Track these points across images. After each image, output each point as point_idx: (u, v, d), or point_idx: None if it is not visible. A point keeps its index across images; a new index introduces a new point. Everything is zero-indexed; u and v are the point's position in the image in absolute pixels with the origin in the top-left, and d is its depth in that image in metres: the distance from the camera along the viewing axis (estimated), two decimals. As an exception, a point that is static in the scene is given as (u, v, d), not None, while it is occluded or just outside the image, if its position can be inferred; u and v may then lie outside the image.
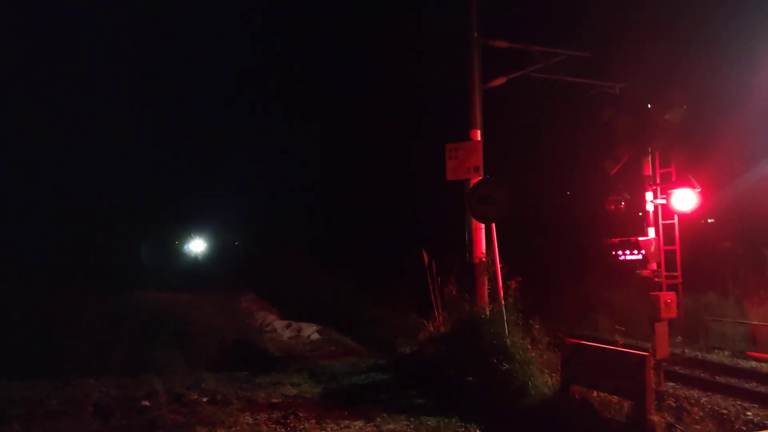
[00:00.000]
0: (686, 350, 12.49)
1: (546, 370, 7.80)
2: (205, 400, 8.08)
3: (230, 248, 44.45)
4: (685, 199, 7.31)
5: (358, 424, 7.02)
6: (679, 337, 12.94)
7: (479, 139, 9.57)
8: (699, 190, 7.29)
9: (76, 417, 6.87)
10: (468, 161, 9.20)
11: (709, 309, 13.96)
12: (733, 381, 10.02)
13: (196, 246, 42.84)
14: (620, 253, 7.11)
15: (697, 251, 16.48)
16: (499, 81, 11.00)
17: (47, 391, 8.01)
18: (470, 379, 8.37)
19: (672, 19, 9.93)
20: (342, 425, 6.97)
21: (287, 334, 14.71)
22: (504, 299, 8.47)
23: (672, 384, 9.93)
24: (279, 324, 15.45)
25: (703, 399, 9.09)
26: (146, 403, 7.79)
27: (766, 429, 7.42)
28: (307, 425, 6.93)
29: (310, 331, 14.53)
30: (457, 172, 9.35)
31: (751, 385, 9.75)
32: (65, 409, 7.14)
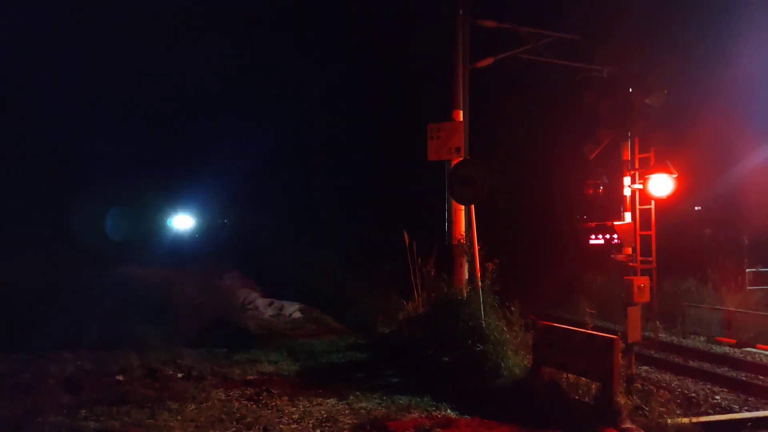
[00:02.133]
0: (663, 335, 12.70)
1: (521, 352, 7.87)
2: (179, 375, 8.08)
3: (218, 225, 44.27)
4: (661, 185, 7.31)
5: (331, 401, 7.06)
6: (657, 322, 13.13)
7: (461, 119, 9.50)
8: (676, 175, 7.29)
9: (46, 390, 6.84)
10: (450, 142, 9.12)
11: (688, 295, 14.15)
12: (706, 366, 10.21)
13: (182, 222, 42.56)
14: (594, 236, 7.12)
15: (681, 238, 16.69)
16: (487, 61, 10.90)
17: (20, 364, 7.96)
18: (446, 359, 8.44)
19: (659, 3, 9.85)
20: (314, 402, 6.99)
21: (269, 312, 14.72)
22: (481, 281, 8.49)
23: (646, 368, 10.11)
24: (261, 302, 15.45)
25: (675, 383, 9.26)
26: (120, 377, 7.76)
27: (731, 413, 7.56)
28: (278, 402, 6.95)
29: (292, 309, 14.55)
30: (439, 152, 9.29)
31: (722, 370, 9.95)
32: (35, 382, 7.11)
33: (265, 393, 7.27)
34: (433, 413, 6.65)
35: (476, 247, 8.74)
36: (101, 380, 7.55)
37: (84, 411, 6.32)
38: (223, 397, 7.10)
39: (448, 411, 6.77)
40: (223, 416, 6.38)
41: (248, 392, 7.32)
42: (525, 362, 7.53)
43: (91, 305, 10.68)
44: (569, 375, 6.51)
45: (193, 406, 6.66)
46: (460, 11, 9.78)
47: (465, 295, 8.75)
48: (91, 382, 7.36)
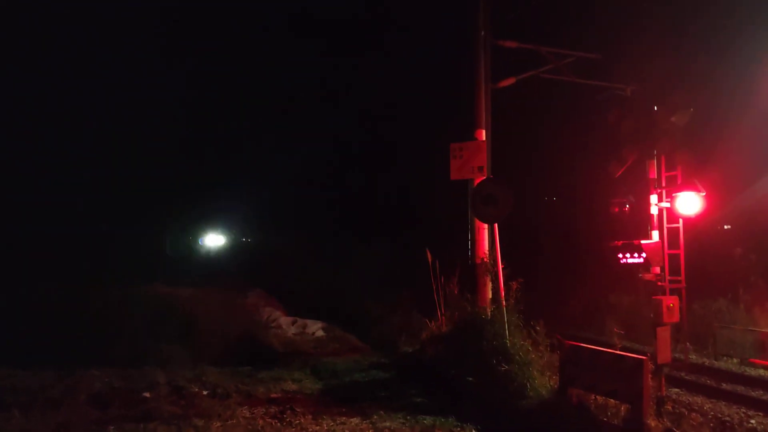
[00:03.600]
0: (694, 357, 12.35)
1: (547, 372, 7.75)
2: (205, 393, 8.14)
3: (241, 244, 44.80)
4: (689, 203, 7.21)
5: (355, 420, 7.03)
6: (688, 344, 12.79)
7: (484, 138, 9.55)
8: (704, 193, 7.18)
9: (75, 406, 6.97)
10: (472, 161, 9.17)
11: (719, 316, 13.76)
12: (740, 388, 9.87)
13: (212, 241, 43.38)
14: (622, 256, 7.03)
15: (710, 257, 16.31)
16: (508, 81, 10.97)
17: (50, 380, 8.13)
18: (470, 379, 8.35)
19: (682, 21, 9.82)
20: (338, 421, 6.98)
21: (292, 330, 14.75)
22: (505, 300, 8.43)
23: (677, 390, 9.81)
24: (284, 320, 15.50)
25: (707, 406, 8.97)
26: (147, 394, 7.87)
27: (768, 437, 7.30)
28: (303, 420, 6.95)
29: (315, 328, 14.56)
30: (462, 171, 9.33)
31: (758, 393, 9.60)
32: (65, 398, 7.25)
33: (289, 411, 7.28)
34: (458, 434, 6.58)
35: (500, 266, 8.71)
36: (129, 397, 7.66)
37: (112, 427, 6.42)
38: (247, 415, 7.13)
39: (473, 432, 6.68)
40: (248, 434, 6.42)
41: (272, 410, 7.34)
42: (551, 383, 7.41)
43: (118, 323, 10.89)
44: (597, 396, 6.38)
45: (219, 424, 6.71)
46: (482, 32, 9.90)
47: (489, 314, 8.69)
48: (118, 399, 7.48)
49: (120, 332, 10.54)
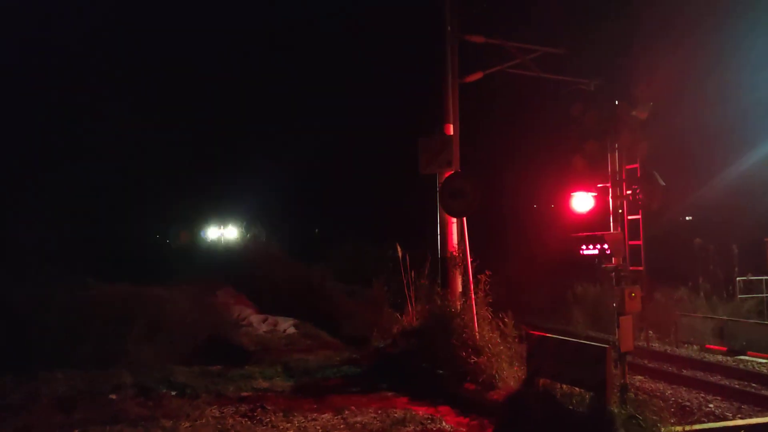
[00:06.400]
0: (656, 344, 12.76)
1: (515, 363, 7.89)
2: (173, 393, 8.03)
3: (209, 242, 44.16)
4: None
5: (326, 416, 7.03)
6: (650, 332, 13.20)
7: (452, 133, 9.61)
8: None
9: (37, 411, 6.78)
10: (440, 155, 9.22)
11: (680, 304, 14.24)
12: (699, 374, 10.25)
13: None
14: (586, 247, 7.20)
15: (672, 248, 16.84)
16: (476, 76, 11.04)
17: (10, 385, 7.88)
18: (441, 372, 8.44)
19: (645, 16, 10.05)
20: (310, 418, 6.97)
21: (263, 328, 14.62)
22: (474, 293, 8.53)
23: (639, 377, 10.13)
24: (255, 318, 15.34)
25: (668, 391, 9.30)
26: (113, 396, 7.71)
27: (724, 420, 7.59)
28: (273, 418, 6.92)
29: (287, 325, 14.47)
30: (430, 166, 9.38)
31: (715, 378, 9.99)
32: (27, 403, 7.04)
33: (259, 409, 7.23)
34: (429, 426, 6.65)
35: (469, 260, 8.80)
36: (94, 399, 7.50)
37: (77, 430, 6.28)
38: (217, 415, 7.05)
39: (444, 424, 6.77)
40: (218, 433, 6.35)
41: (243, 409, 7.28)
42: (520, 374, 7.55)
43: (83, 324, 10.61)
44: (563, 385, 6.52)
45: (187, 424, 6.62)
46: (449, 27, 9.94)
47: (458, 307, 8.78)
48: (83, 402, 7.31)
49: (85, 334, 10.28)
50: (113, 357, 9.83)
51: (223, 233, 44.08)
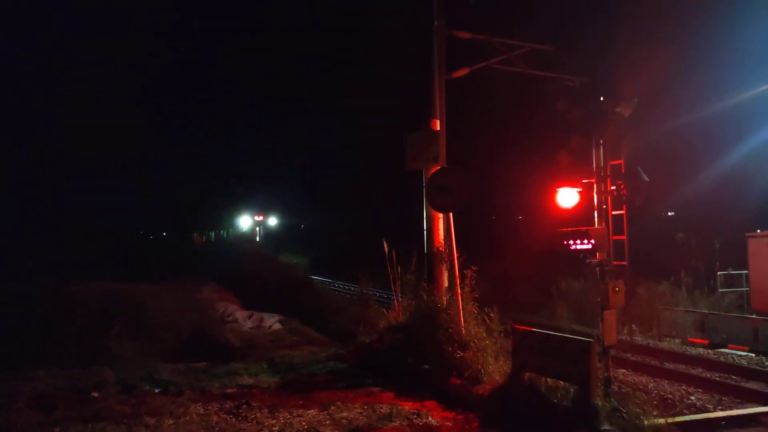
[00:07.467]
0: (639, 338, 12.93)
1: (501, 358, 7.93)
2: (156, 391, 7.94)
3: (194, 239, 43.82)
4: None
5: (312, 412, 7.00)
6: (633, 326, 13.37)
7: (439, 128, 9.59)
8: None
9: (17, 409, 6.65)
10: (427, 151, 9.20)
11: (663, 298, 14.44)
12: (681, 367, 10.41)
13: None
14: (573, 242, 7.25)
15: (655, 243, 17.06)
16: (463, 71, 11.02)
17: (-12, 383, 7.73)
18: (427, 367, 8.45)
19: (631, 13, 10.12)
20: (295, 414, 6.93)
21: (249, 324, 14.53)
22: (460, 288, 8.54)
23: (623, 370, 10.26)
24: (240, 314, 15.24)
25: (651, 384, 9.42)
26: (95, 394, 7.60)
27: (706, 412, 7.71)
28: (259, 415, 6.87)
29: (272, 321, 14.39)
30: (417, 161, 9.36)
31: (697, 371, 10.15)
32: (6, 402, 6.91)
33: (244, 406, 7.18)
34: (415, 421, 6.66)
35: (455, 255, 8.81)
36: (75, 398, 7.38)
37: (58, 429, 6.17)
38: (201, 412, 6.98)
39: (430, 418, 6.78)
40: (202, 431, 6.29)
41: (227, 406, 7.22)
42: (505, 368, 7.58)
43: (65, 321, 10.45)
44: (548, 379, 6.57)
45: (171, 422, 6.54)
46: (436, 23, 9.91)
47: (445, 302, 8.79)
48: (64, 400, 7.19)
49: (67, 331, 10.13)
50: (95, 354, 9.70)
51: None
